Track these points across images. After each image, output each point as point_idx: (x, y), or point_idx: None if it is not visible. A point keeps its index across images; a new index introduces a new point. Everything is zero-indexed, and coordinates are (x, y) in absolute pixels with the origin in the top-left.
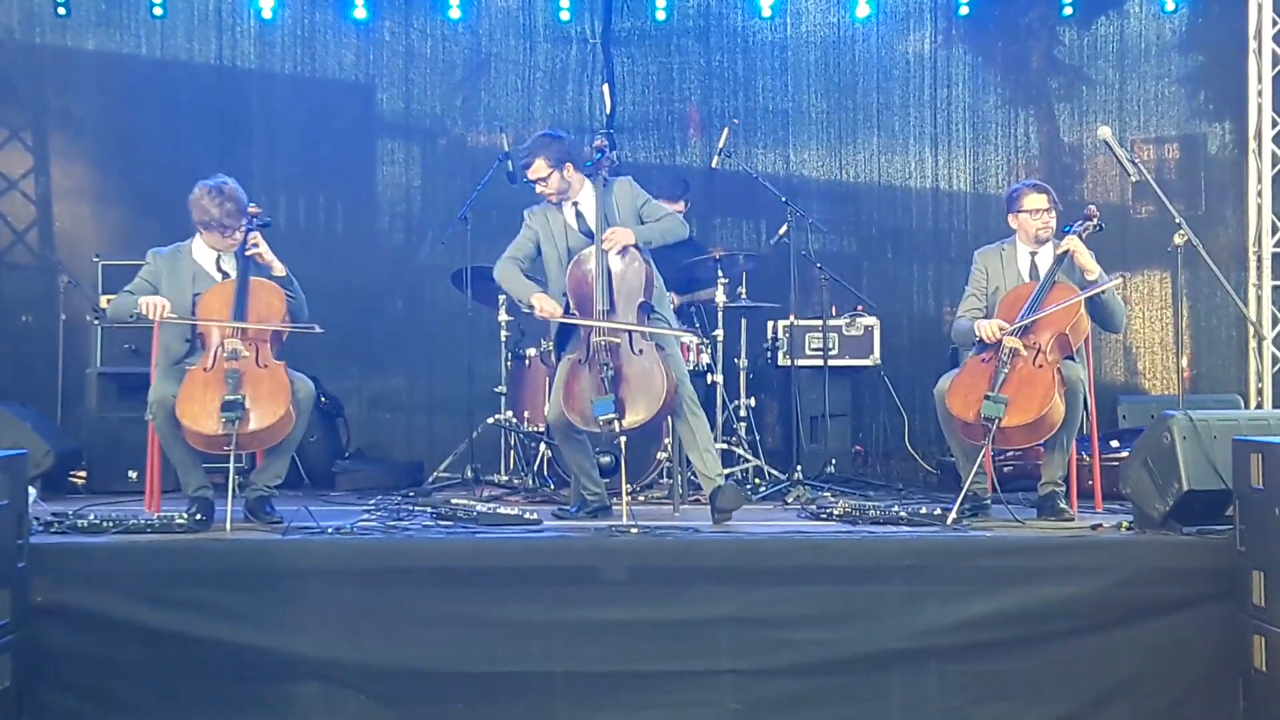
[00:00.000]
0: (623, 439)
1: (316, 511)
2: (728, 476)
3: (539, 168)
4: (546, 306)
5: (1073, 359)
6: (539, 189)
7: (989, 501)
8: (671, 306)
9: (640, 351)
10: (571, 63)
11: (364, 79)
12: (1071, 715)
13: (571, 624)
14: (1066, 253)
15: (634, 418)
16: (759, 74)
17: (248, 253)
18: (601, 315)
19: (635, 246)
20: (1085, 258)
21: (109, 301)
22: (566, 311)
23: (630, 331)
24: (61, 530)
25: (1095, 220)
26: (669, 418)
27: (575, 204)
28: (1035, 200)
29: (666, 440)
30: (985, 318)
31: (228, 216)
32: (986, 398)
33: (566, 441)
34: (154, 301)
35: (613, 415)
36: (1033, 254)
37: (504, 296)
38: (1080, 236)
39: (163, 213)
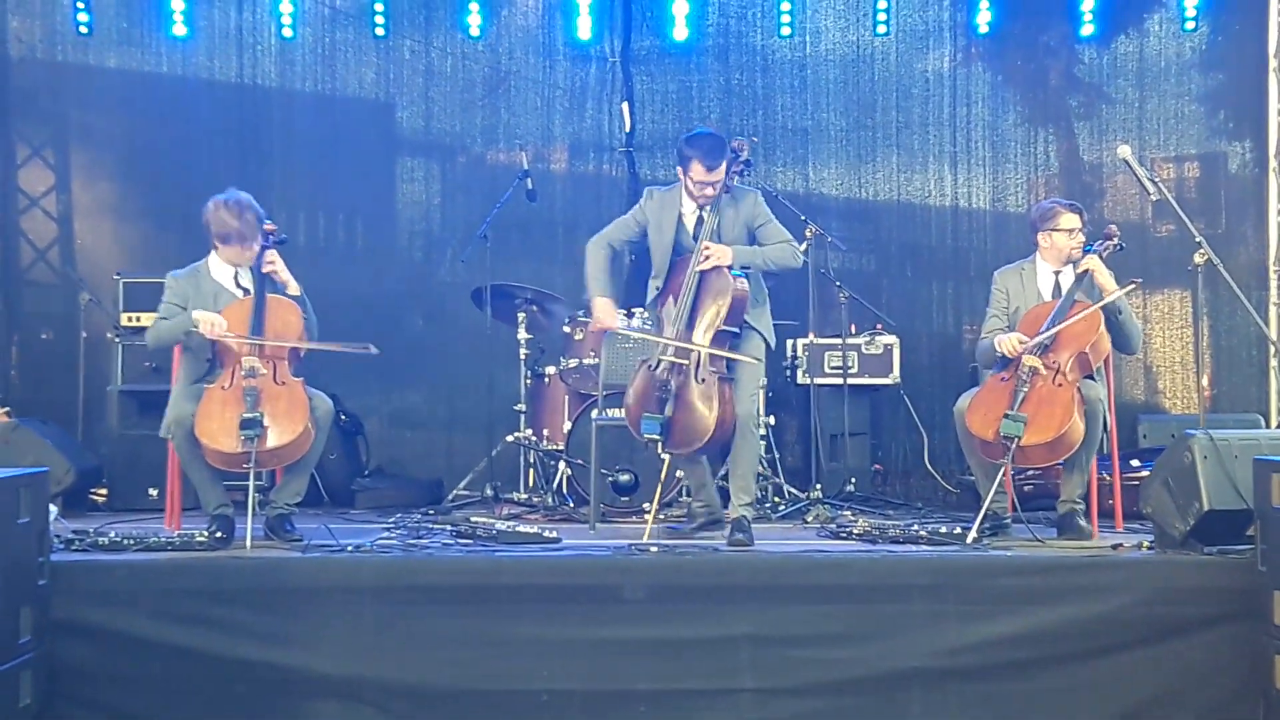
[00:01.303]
0: (666, 457)
1: (336, 529)
2: None
3: (722, 173)
4: (603, 317)
5: (1093, 378)
6: (700, 190)
7: (1009, 521)
8: (769, 322)
9: (703, 380)
10: (591, 81)
11: (384, 97)
12: None
13: (591, 642)
14: (1087, 271)
15: (676, 447)
16: (778, 92)
17: (264, 270)
18: (677, 331)
19: (730, 268)
20: (1105, 277)
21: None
22: (655, 301)
23: (697, 354)
24: (82, 548)
25: (1116, 240)
26: None
27: (701, 207)
28: (1071, 220)
29: None
30: None
31: (247, 226)
32: (1006, 416)
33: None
34: (212, 319)
35: (657, 437)
36: (1056, 273)
37: (523, 314)
38: (1101, 256)
39: (184, 230)
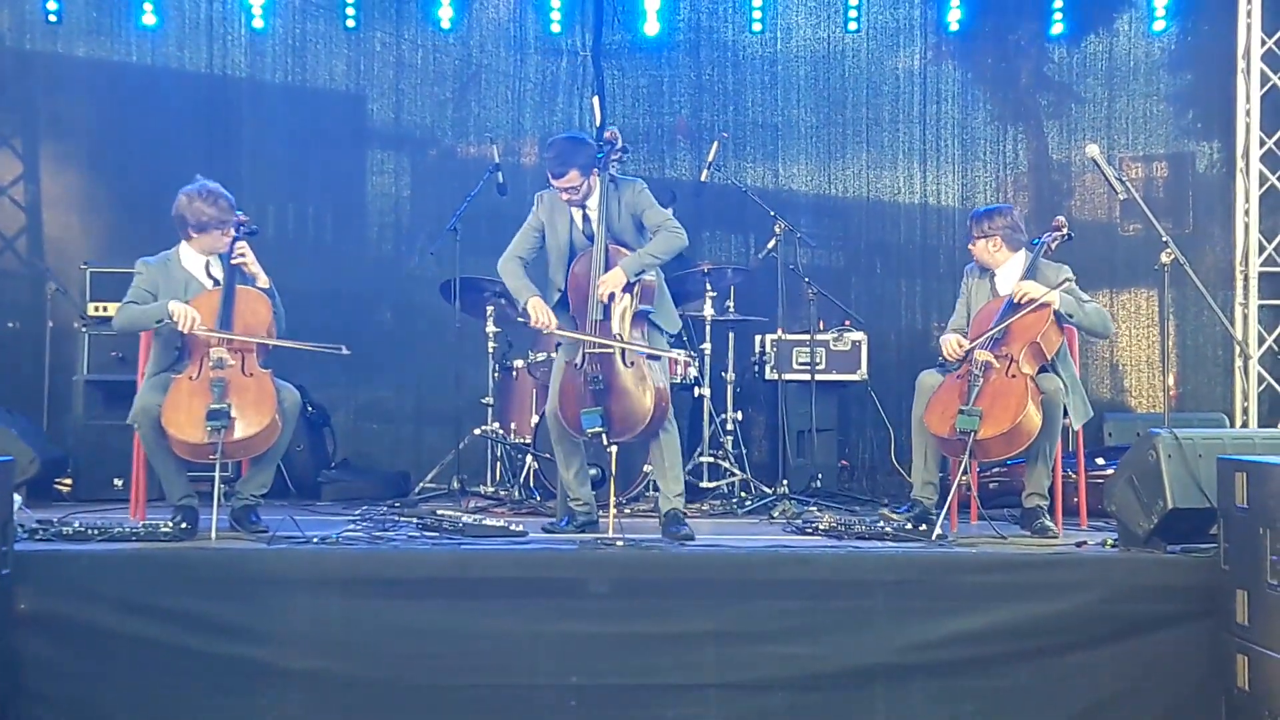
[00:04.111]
0: (612, 449)
1: (302, 521)
2: (713, 491)
3: (573, 178)
4: (541, 317)
5: (1054, 371)
6: (564, 196)
7: (935, 515)
8: (668, 310)
9: (631, 364)
10: (562, 75)
11: (354, 89)
12: None
13: (556, 637)
14: (1033, 266)
15: (620, 435)
16: (749, 88)
17: (233, 261)
18: (595, 325)
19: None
20: (1034, 291)
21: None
22: (563, 307)
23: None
24: (46, 538)
25: (1064, 231)
26: None
27: (584, 206)
28: (976, 247)
29: None
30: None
31: (223, 212)
32: (960, 411)
33: (561, 440)
34: (187, 312)
35: (600, 429)
36: (991, 275)
37: (492, 308)
38: (1050, 247)
39: (152, 220)
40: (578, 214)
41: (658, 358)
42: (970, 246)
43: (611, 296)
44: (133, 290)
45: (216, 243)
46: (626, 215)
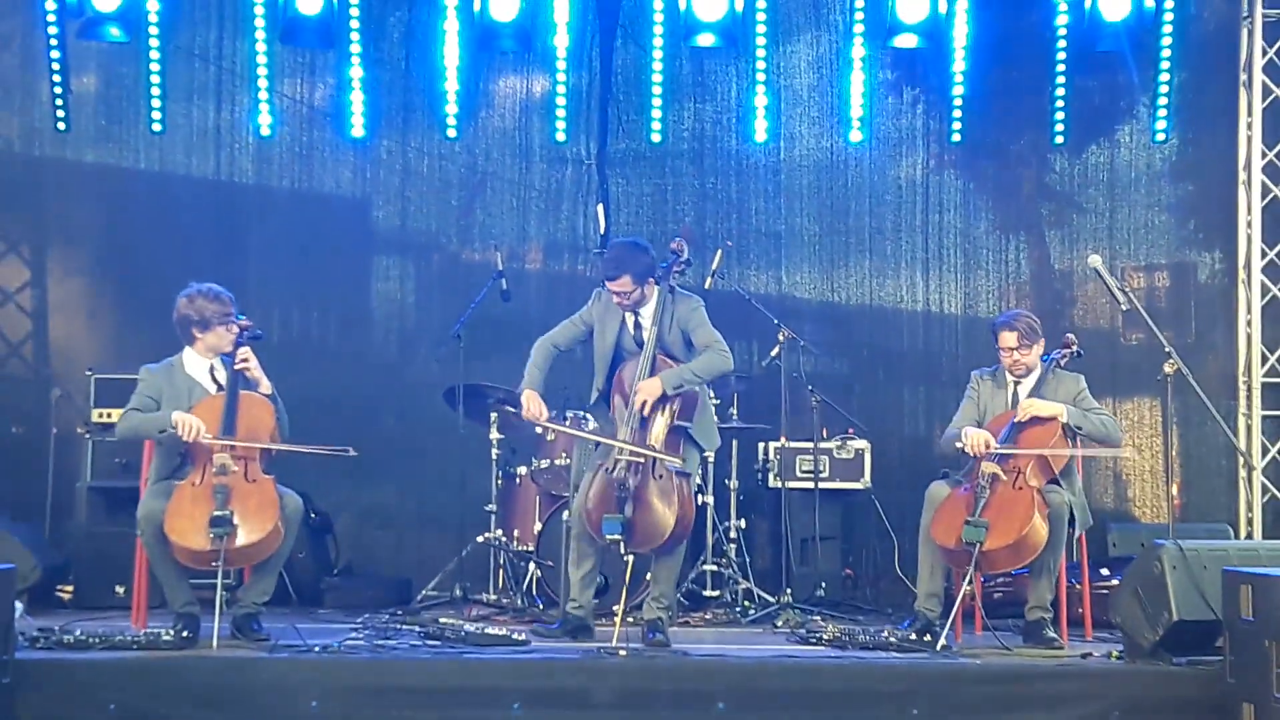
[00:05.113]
0: (629, 558)
1: (304, 629)
2: (716, 600)
3: (625, 283)
4: (532, 408)
5: (1057, 484)
6: (615, 300)
7: (939, 626)
8: (707, 424)
9: (661, 476)
10: (567, 183)
11: (361, 195)
12: None
13: None
14: (1042, 381)
15: (639, 546)
16: (752, 196)
17: (237, 366)
18: (633, 433)
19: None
20: (1039, 409)
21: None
22: (602, 408)
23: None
24: (47, 646)
25: (1074, 348)
26: None
27: (637, 311)
28: (1006, 338)
29: None
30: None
31: (225, 306)
32: (967, 523)
33: (580, 539)
34: (191, 423)
35: (619, 537)
36: (1015, 382)
37: (495, 414)
38: (1059, 364)
39: (158, 327)
40: (630, 318)
41: (687, 474)
42: (1011, 353)
43: (649, 405)
44: (136, 397)
45: (221, 340)
46: (677, 329)
